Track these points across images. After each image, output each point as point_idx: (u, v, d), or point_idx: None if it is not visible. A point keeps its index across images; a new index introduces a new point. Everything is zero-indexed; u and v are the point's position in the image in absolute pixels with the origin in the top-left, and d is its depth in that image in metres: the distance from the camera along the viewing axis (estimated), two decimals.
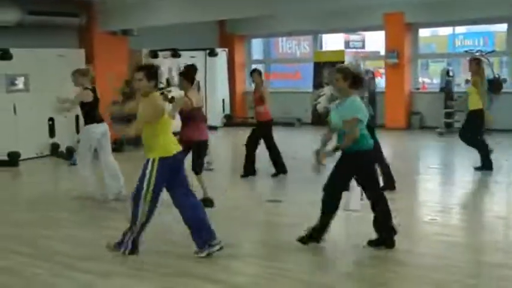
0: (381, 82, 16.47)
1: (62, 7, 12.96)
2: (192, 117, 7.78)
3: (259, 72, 9.83)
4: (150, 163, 5.76)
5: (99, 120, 8.34)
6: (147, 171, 5.75)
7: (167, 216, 6.51)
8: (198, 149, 7.83)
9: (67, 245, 6.56)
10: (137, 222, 5.83)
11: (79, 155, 8.72)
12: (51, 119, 12.68)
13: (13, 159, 11.83)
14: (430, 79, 16.98)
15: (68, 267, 5.83)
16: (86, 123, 8.39)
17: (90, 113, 8.30)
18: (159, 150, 5.77)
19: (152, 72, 5.90)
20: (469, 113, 9.69)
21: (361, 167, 5.95)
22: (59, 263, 5.96)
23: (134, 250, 5.93)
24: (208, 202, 7.56)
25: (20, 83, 12.29)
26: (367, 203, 6.10)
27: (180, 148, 5.98)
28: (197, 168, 7.85)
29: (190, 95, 7.81)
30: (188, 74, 7.90)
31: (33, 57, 12.36)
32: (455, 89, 14.76)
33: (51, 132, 12.78)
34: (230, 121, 17.32)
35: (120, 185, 8.35)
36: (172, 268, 5.70)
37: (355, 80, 5.97)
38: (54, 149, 12.75)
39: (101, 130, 8.32)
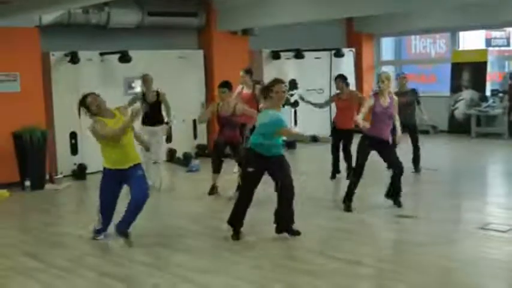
0: None
1: (180, 7, 13.41)
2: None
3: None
4: None
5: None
6: None
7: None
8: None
9: (187, 255, 6.78)
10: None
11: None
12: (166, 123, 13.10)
13: None
14: None
15: (186, 280, 6.00)
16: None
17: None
18: None
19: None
20: None
21: None
22: (178, 274, 6.16)
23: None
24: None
25: (138, 85, 12.82)
26: None
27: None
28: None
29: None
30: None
31: (151, 59, 12.86)
32: None
33: (168, 137, 13.19)
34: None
35: None
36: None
37: None
38: (171, 155, 13.18)
39: None
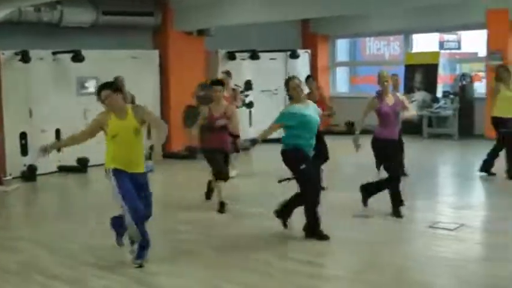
0: (480, 87, 15.99)
1: (136, 6, 13.28)
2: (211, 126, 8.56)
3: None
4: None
5: None
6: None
7: None
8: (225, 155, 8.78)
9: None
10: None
11: None
12: None
13: (82, 165, 12.19)
14: None
15: (139, 282, 5.93)
16: None
17: None
18: None
19: None
20: None
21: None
22: (130, 276, 6.07)
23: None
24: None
25: (90, 86, 12.66)
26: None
27: None
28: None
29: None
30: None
31: (105, 59, 12.70)
32: None
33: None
34: None
35: None
36: None
37: None
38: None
39: None
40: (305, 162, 6.91)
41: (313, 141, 7.07)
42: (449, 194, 9.97)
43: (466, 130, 15.12)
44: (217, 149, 8.54)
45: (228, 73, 11.80)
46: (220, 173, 8.51)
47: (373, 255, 6.59)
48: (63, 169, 12.23)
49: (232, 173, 10.07)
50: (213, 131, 8.51)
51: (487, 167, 10.24)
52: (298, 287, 5.77)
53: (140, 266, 6.19)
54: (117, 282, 5.93)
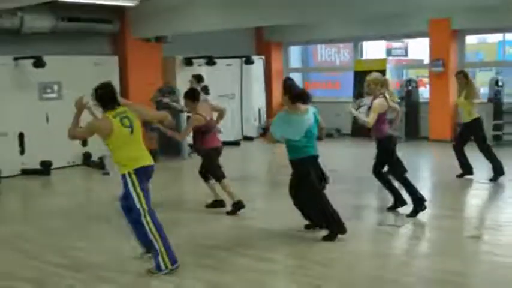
0: (424, 92, 16.39)
1: (95, 14, 13.24)
2: (209, 129, 8.38)
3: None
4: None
5: None
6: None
7: None
8: (215, 156, 8.51)
9: (100, 256, 6.72)
10: (154, 241, 5.95)
11: None
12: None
13: (45, 168, 12.10)
14: (477, 89, 16.79)
15: (101, 280, 5.96)
16: None
17: None
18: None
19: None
20: None
21: None
22: (95, 275, 6.10)
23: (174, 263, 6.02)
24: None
25: (52, 90, 12.59)
26: None
27: None
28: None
29: (201, 110, 8.30)
30: (190, 94, 8.50)
31: (66, 64, 12.64)
32: (505, 99, 14.61)
33: (84, 141, 13.00)
34: (266, 131, 17.33)
35: None
36: None
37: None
38: (86, 158, 13.00)
39: None
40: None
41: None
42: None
43: (412, 132, 15.48)
44: (219, 147, 8.56)
45: (198, 77, 11.82)
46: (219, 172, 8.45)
47: (323, 252, 6.72)
48: (26, 172, 12.12)
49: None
50: (210, 132, 8.44)
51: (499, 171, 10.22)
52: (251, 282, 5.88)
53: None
54: (81, 281, 5.95)
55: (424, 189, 10.36)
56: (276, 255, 6.65)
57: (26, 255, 6.89)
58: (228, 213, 8.34)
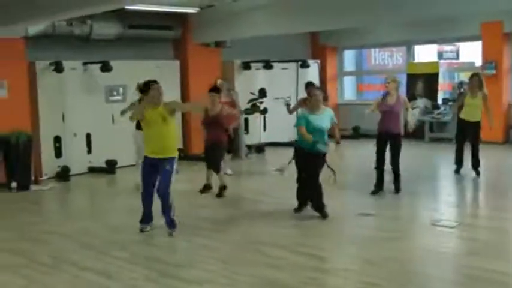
0: None
1: (158, 21, 13.36)
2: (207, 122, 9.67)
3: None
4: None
5: None
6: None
7: None
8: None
9: (162, 251, 6.74)
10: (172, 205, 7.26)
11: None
12: None
13: (110, 166, 12.27)
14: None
15: (162, 274, 5.96)
16: None
17: None
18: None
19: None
20: None
21: None
22: (156, 269, 6.11)
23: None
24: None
25: (118, 93, 12.76)
26: None
27: None
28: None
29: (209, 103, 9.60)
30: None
31: (131, 68, 12.78)
32: None
33: None
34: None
35: None
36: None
37: None
38: None
39: None
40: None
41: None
42: (450, 193, 9.95)
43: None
44: (214, 143, 9.61)
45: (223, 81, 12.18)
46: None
47: (377, 250, 6.59)
48: (93, 170, 12.32)
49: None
50: (208, 126, 9.70)
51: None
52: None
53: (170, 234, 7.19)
54: (143, 274, 5.97)
55: (475, 190, 10.15)
56: (326, 254, 6.53)
57: (94, 247, 6.96)
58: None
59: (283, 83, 15.92)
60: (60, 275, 6.09)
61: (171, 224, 7.29)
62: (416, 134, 14.87)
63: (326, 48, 17.74)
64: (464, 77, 16.64)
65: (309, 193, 7.91)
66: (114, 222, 8.25)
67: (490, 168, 11.22)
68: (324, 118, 7.78)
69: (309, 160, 7.74)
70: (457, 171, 10.73)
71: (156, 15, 13.12)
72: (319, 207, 7.83)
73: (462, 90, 15.35)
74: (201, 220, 8.10)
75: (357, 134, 16.25)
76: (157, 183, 7.22)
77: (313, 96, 7.84)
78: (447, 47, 18.62)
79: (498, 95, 14.53)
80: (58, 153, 12.02)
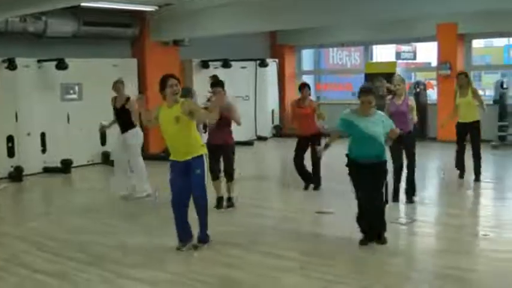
0: (432, 94, 16.22)
1: (115, 18, 13.20)
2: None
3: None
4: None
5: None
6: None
7: None
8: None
9: (118, 251, 6.66)
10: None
11: (136, 156, 9.33)
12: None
13: (66, 166, 12.08)
14: (483, 91, 16.59)
15: (118, 275, 5.89)
16: (130, 127, 9.29)
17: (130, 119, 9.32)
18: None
19: None
20: None
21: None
22: (111, 270, 6.04)
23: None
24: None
25: (74, 91, 12.57)
26: None
27: None
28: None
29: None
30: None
31: (87, 66, 12.62)
32: (510, 101, 14.41)
33: (103, 140, 12.99)
34: (279, 132, 17.28)
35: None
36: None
37: None
38: (105, 157, 12.96)
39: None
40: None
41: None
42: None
43: (421, 133, 15.28)
44: (218, 145, 8.25)
45: (214, 77, 11.64)
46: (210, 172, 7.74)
47: (335, 248, 6.63)
48: (48, 170, 12.12)
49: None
50: (215, 129, 8.27)
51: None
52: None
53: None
54: (98, 275, 5.89)
55: (431, 188, 10.32)
56: (286, 252, 6.56)
57: (48, 249, 6.85)
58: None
59: (242, 81, 15.94)
60: (10, 278, 5.92)
61: (204, 239, 6.57)
62: None
63: (284, 47, 17.83)
64: (421, 77, 17.02)
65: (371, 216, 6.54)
66: (70, 223, 8.12)
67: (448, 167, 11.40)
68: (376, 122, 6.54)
69: (364, 174, 6.45)
70: (461, 176, 10.19)
71: (114, 13, 12.96)
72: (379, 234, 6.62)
73: (418, 90, 15.64)
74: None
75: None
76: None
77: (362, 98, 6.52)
78: (405, 47, 18.91)
79: (452, 94, 14.74)
80: (11, 153, 11.76)
